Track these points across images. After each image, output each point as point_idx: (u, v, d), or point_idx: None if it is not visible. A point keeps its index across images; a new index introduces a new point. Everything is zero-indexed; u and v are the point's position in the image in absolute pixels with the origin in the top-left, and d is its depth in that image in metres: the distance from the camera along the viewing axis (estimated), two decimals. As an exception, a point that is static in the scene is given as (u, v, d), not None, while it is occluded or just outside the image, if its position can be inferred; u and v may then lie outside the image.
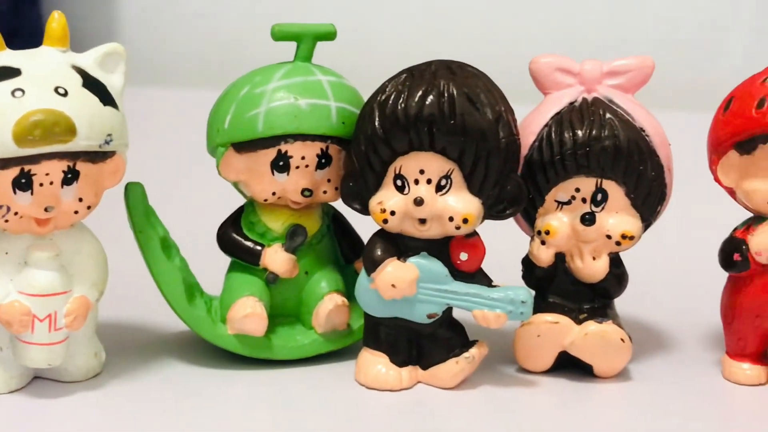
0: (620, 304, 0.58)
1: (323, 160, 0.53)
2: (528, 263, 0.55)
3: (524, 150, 0.53)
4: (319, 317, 0.55)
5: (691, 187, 0.63)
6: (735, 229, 0.54)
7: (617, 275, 0.54)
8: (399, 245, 0.52)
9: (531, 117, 0.54)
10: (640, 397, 0.53)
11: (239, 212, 0.56)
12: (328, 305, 0.54)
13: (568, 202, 0.53)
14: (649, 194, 0.52)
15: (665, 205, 0.54)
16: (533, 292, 0.52)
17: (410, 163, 0.50)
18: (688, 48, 1.40)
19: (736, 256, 0.53)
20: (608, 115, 0.52)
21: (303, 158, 0.53)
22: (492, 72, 0.52)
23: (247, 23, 1.30)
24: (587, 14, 1.38)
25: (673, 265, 0.66)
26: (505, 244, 0.54)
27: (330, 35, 0.54)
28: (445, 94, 0.49)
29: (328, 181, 0.54)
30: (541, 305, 0.55)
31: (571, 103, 0.53)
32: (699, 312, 0.59)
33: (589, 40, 1.34)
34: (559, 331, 0.53)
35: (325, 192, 0.54)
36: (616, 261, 0.54)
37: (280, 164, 0.52)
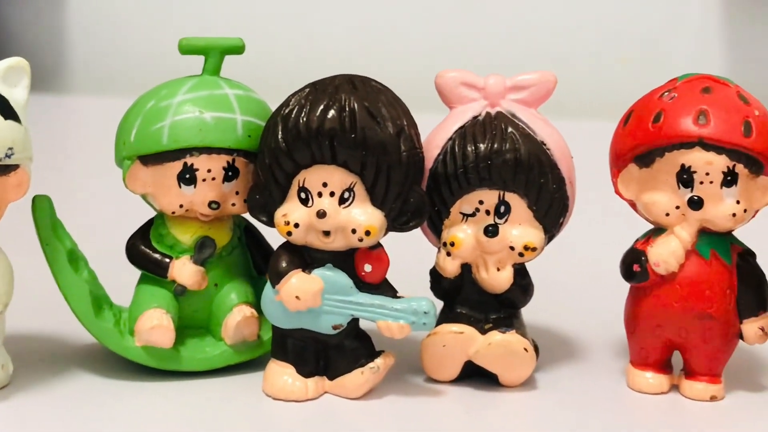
0: (530, 313, 0.59)
1: (230, 173, 0.53)
2: (435, 274, 0.56)
3: (429, 163, 0.54)
4: (227, 329, 0.55)
5: (606, 195, 0.64)
6: (636, 241, 0.55)
7: (523, 286, 0.55)
8: (304, 257, 0.52)
9: (436, 131, 0.55)
10: (545, 405, 0.54)
11: (149, 224, 0.56)
12: (236, 317, 0.55)
13: (473, 214, 0.54)
14: (551, 206, 0.54)
15: (568, 216, 0.55)
16: (436, 303, 0.52)
17: (313, 176, 0.51)
18: (634, 60, 1.43)
19: (636, 267, 0.54)
20: (510, 129, 0.53)
21: (209, 171, 0.53)
22: (399, 84, 0.53)
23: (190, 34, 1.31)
24: (519, 28, 1.40)
25: (583, 275, 0.67)
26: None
27: (238, 49, 0.55)
28: (347, 108, 0.50)
29: (237, 193, 0.54)
30: (448, 316, 0.56)
31: (475, 117, 0.54)
32: (608, 321, 0.60)
33: (527, 54, 1.37)
34: (463, 341, 0.54)
35: (233, 204, 0.54)
36: (521, 272, 0.55)
37: (186, 177, 0.53)
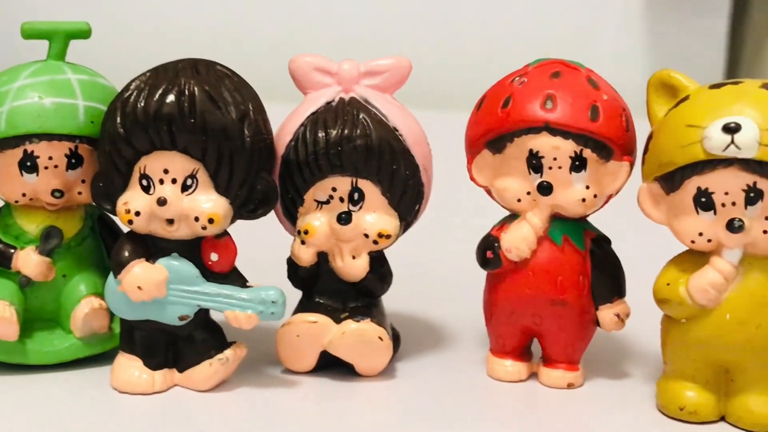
0: (396, 302, 0.59)
1: (73, 160, 0.52)
2: (291, 263, 0.55)
3: (282, 150, 0.53)
4: (76, 321, 0.53)
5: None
6: (493, 227, 0.54)
7: (380, 274, 0.54)
8: (149, 246, 0.51)
9: (290, 117, 0.54)
10: (402, 395, 0.53)
11: (-5, 214, 0.54)
12: (84, 308, 0.53)
13: (327, 202, 0.53)
14: (404, 193, 0.53)
15: (424, 204, 0.54)
16: (296, 293, 0.51)
17: (154, 163, 0.49)
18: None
19: (489, 254, 0.53)
20: (362, 115, 0.52)
21: (50, 158, 0.51)
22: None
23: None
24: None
25: (452, 263, 0.66)
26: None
27: (83, 33, 0.53)
28: (186, 93, 0.48)
29: (83, 181, 0.53)
30: (306, 305, 0.55)
31: (328, 103, 0.53)
32: (476, 310, 0.59)
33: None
34: (317, 331, 0.53)
35: (80, 193, 0.53)
36: (379, 260, 0.54)
37: (28, 164, 0.51)
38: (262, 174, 0.50)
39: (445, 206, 0.62)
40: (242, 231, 0.55)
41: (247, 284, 0.52)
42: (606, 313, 0.53)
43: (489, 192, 0.54)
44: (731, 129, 0.45)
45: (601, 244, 0.53)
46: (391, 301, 0.58)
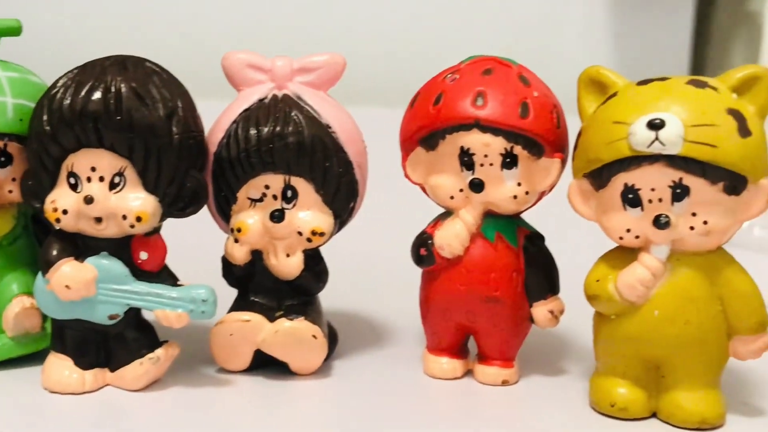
0: (337, 300, 0.59)
1: (2, 159, 0.51)
2: (226, 262, 0.54)
3: (214, 147, 0.53)
4: (7, 320, 0.53)
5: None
6: (428, 225, 0.54)
7: (315, 272, 0.54)
8: (79, 245, 0.50)
9: (223, 114, 0.53)
10: (338, 393, 0.53)
11: (-73, 214, 0.54)
12: (15, 308, 0.53)
13: (260, 200, 0.53)
14: (338, 190, 0.53)
15: (359, 201, 0.54)
16: (215, 291, 0.51)
17: (81, 161, 0.49)
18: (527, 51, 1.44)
19: (422, 251, 0.53)
20: (294, 112, 0.52)
21: None
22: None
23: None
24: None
25: (387, 261, 0.66)
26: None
27: (14, 30, 0.53)
28: (112, 90, 0.48)
29: (13, 180, 0.52)
30: (241, 304, 0.55)
31: (261, 100, 0.53)
32: (412, 307, 0.59)
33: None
34: (250, 330, 0.53)
35: (10, 191, 0.52)
36: (315, 257, 0.54)
37: (-46, 163, 0.51)
38: (191, 172, 0.50)
39: (384, 203, 0.62)
40: (179, 229, 0.55)
41: (178, 283, 0.51)
42: (540, 309, 0.53)
43: (424, 189, 0.54)
44: (655, 125, 0.45)
45: (534, 241, 0.53)
46: (329, 299, 0.57)
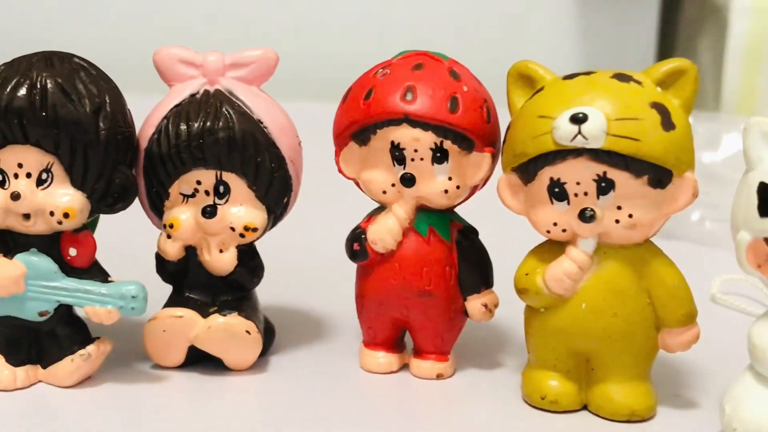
0: (272, 295, 0.58)
1: (-69, 155, 0.51)
2: (159, 258, 0.54)
3: (145, 143, 0.52)
4: (-63, 318, 0.53)
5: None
6: (363, 219, 0.54)
7: (250, 267, 0.54)
8: (8, 242, 0.50)
9: (154, 109, 0.53)
10: (273, 388, 0.53)
11: None
12: (-55, 306, 0.53)
13: (192, 195, 0.52)
14: (271, 186, 0.52)
15: (294, 196, 0.54)
16: (145, 287, 0.51)
17: (8, 157, 0.49)
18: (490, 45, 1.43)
19: (356, 246, 0.53)
20: (225, 107, 0.52)
21: None
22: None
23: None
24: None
25: (326, 256, 0.65)
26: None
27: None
28: (38, 86, 0.48)
29: (-58, 177, 0.52)
30: (175, 300, 0.55)
31: (192, 95, 0.52)
32: (351, 303, 0.59)
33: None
34: (183, 326, 0.53)
35: (-60, 188, 0.52)
36: (249, 253, 0.54)
37: None
38: (120, 167, 0.50)
39: (322, 198, 0.62)
40: (114, 225, 0.54)
41: (109, 279, 0.51)
42: (474, 303, 0.53)
43: (358, 184, 0.54)
44: (578, 119, 0.45)
45: (467, 235, 0.54)
46: (267, 294, 0.58)
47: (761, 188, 0.44)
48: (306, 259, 0.70)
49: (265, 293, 0.57)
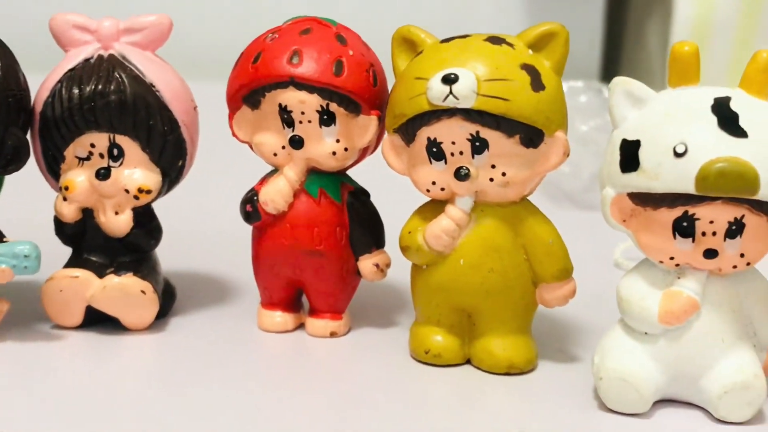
0: (175, 258, 0.60)
1: None
2: (57, 220, 0.55)
3: (40, 106, 0.53)
4: None
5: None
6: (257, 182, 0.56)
7: (148, 229, 0.55)
8: None
9: (50, 74, 0.54)
10: (171, 347, 0.54)
11: None
12: None
13: (87, 158, 0.54)
14: (164, 149, 0.54)
15: (189, 160, 0.55)
16: (38, 246, 0.52)
17: None
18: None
19: (248, 208, 0.55)
20: (117, 71, 0.53)
21: None
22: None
23: None
24: None
25: (228, 219, 0.66)
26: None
27: None
28: (-74, 49, 0.49)
29: None
30: (74, 262, 0.56)
31: (86, 60, 0.53)
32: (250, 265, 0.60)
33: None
34: (80, 286, 0.54)
35: None
36: (146, 215, 0.55)
37: None
38: (12, 129, 0.51)
39: (226, 164, 0.63)
40: (14, 189, 0.55)
41: (4, 239, 0.52)
42: (366, 263, 0.55)
43: (252, 147, 0.55)
44: (450, 80, 0.47)
45: (358, 197, 0.55)
46: (170, 258, 0.59)
47: (623, 145, 0.46)
48: (209, 223, 0.71)
49: (167, 257, 0.59)
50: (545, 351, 0.54)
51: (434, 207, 0.51)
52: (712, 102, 0.45)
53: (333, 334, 0.56)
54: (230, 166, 0.62)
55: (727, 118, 0.44)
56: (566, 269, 0.51)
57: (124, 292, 0.54)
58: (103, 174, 0.53)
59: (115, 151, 0.53)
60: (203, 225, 0.72)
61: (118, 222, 0.54)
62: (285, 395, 0.50)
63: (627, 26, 1.50)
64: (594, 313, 0.58)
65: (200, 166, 0.59)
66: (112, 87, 0.52)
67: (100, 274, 0.54)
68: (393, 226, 0.55)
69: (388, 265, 0.56)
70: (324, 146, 0.53)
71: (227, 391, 0.49)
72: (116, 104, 0.52)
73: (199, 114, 0.56)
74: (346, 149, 0.53)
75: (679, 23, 1.27)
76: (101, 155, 0.53)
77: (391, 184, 0.57)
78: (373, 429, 0.46)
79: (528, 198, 0.51)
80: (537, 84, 0.48)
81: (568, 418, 0.47)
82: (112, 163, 0.53)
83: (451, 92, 0.47)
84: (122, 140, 0.53)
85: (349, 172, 0.56)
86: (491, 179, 0.49)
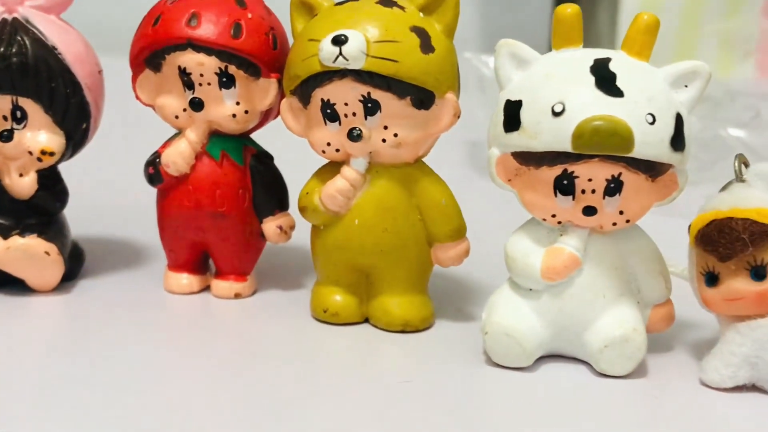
0: (86, 222, 0.60)
1: None
2: (-44, 183, 0.56)
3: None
4: None
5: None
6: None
7: (53, 192, 0.56)
8: None
9: (-47, 37, 0.54)
10: (77, 309, 0.55)
11: None
12: None
13: (-9, 121, 0.54)
14: (67, 111, 0.54)
15: (94, 122, 0.56)
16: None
17: None
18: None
19: (150, 170, 0.55)
20: (20, 34, 0.53)
21: None
22: None
23: None
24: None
25: (140, 183, 0.67)
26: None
27: None
28: None
29: None
30: (-21, 224, 0.56)
31: (-8, 24, 0.54)
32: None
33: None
34: (-17, 247, 0.55)
35: None
36: (53, 178, 0.56)
37: None
38: None
39: (138, 128, 0.64)
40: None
41: None
42: (269, 225, 0.56)
43: (155, 110, 0.56)
44: (340, 41, 0.48)
45: (262, 160, 0.56)
46: (80, 221, 0.59)
47: (506, 105, 0.47)
48: (121, 188, 0.71)
49: (78, 220, 0.59)
50: (446, 310, 0.55)
51: (332, 169, 0.52)
52: (591, 63, 0.46)
53: (237, 296, 0.57)
54: (143, 131, 0.63)
55: (604, 78, 0.45)
56: (459, 229, 0.52)
57: (28, 253, 0.54)
58: (6, 136, 0.53)
59: (18, 114, 0.54)
60: (115, 189, 0.72)
61: (22, 184, 0.55)
62: (187, 355, 0.50)
63: (577, 2, 1.51)
64: (501, 274, 0.60)
65: (111, 130, 0.59)
66: (14, 50, 0.52)
67: (5, 236, 0.55)
68: (298, 189, 0.56)
69: (292, 227, 0.57)
70: (224, 109, 0.53)
71: (130, 351, 0.50)
72: (18, 67, 0.52)
73: (104, 78, 0.57)
74: (246, 112, 0.54)
75: (625, 13, 1.28)
76: (5, 117, 0.54)
77: (296, 147, 0.58)
78: (269, 386, 0.47)
79: (423, 159, 0.52)
80: (426, 46, 0.49)
81: (456, 372, 0.49)
82: (15, 126, 0.54)
83: (340, 53, 0.48)
84: (25, 102, 0.53)
85: (253, 136, 0.57)
86: (384, 140, 0.50)
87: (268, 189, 0.56)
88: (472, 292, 0.59)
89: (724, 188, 0.48)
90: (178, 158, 0.54)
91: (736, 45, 1.31)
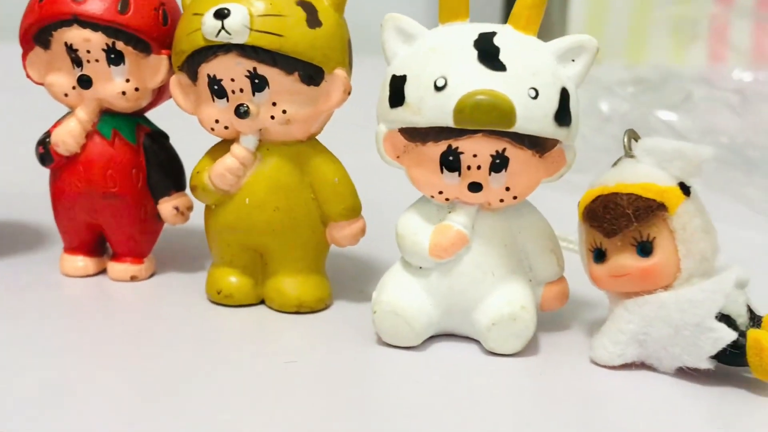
0: None
1: None
2: None
3: None
4: None
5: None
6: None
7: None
8: None
9: None
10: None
11: None
12: None
13: None
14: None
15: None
16: None
17: None
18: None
19: (41, 149, 0.54)
20: None
21: None
22: None
23: None
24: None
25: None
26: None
27: None
28: None
29: None
30: None
31: None
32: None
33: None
34: None
35: None
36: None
37: None
38: None
39: (35, 111, 0.62)
40: None
41: None
42: (165, 206, 0.55)
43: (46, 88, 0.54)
44: (222, 14, 0.47)
45: (156, 138, 0.55)
46: None
47: (392, 80, 0.46)
48: (21, 170, 0.70)
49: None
50: (347, 292, 0.54)
51: (225, 147, 0.51)
52: (476, 37, 0.45)
53: (134, 278, 0.55)
54: (40, 111, 0.61)
55: (487, 52, 0.45)
56: (353, 208, 0.51)
57: None
58: None
59: None
60: (15, 172, 0.71)
61: None
62: (81, 337, 0.49)
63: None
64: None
65: (8, 112, 0.58)
66: None
67: None
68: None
69: (189, 208, 0.55)
70: (113, 86, 0.52)
71: (24, 335, 0.49)
72: None
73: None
74: (136, 89, 0.52)
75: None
76: None
77: (193, 126, 0.56)
78: (159, 368, 0.46)
79: (316, 137, 0.51)
80: (313, 21, 0.48)
81: (345, 352, 0.48)
82: None
83: (223, 27, 0.47)
84: None
85: (149, 115, 0.56)
86: (272, 117, 0.49)
87: (162, 169, 0.54)
88: (378, 273, 0.58)
89: (615, 164, 0.47)
90: (67, 137, 0.53)
91: (686, 30, 1.32)
